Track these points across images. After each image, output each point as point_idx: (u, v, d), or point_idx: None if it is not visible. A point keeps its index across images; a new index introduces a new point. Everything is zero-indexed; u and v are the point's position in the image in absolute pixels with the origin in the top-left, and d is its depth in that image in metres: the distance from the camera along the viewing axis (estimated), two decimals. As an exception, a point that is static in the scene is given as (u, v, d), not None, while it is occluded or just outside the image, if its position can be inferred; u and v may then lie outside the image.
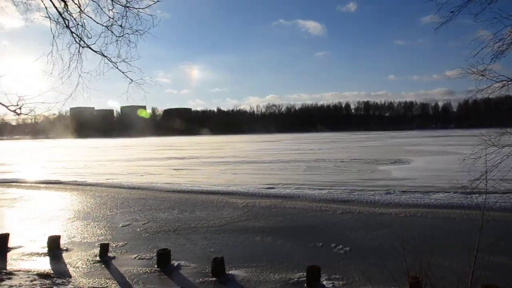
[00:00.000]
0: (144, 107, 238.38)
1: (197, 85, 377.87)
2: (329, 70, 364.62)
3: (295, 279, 9.29)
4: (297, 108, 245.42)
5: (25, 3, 7.79)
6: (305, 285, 8.90)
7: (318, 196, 20.01)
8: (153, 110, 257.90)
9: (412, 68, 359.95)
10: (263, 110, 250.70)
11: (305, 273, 9.03)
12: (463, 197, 17.70)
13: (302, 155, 48.48)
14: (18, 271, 9.96)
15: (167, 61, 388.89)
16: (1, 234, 12.58)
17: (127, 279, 9.68)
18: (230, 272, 9.80)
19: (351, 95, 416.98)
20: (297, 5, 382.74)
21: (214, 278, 9.46)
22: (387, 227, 14.02)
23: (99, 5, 7.93)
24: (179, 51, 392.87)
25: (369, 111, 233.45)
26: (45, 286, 8.34)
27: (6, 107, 7.85)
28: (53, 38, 7.78)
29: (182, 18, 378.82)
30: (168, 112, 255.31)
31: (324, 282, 9.01)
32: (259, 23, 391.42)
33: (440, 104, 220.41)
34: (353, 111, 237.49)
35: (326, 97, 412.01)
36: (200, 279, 9.49)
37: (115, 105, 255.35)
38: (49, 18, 7.60)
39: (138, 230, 14.59)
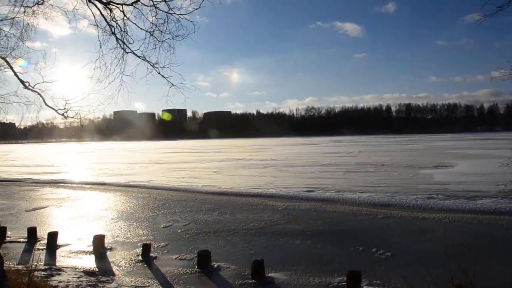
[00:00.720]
0: (184, 110, 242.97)
1: (236, 88, 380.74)
2: (369, 72, 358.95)
3: (335, 284, 9.20)
4: (337, 110, 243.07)
5: (74, 12, 8.11)
6: (346, 289, 8.78)
7: (359, 200, 19.74)
8: (193, 113, 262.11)
9: (455, 69, 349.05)
10: (303, 113, 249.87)
11: (345, 278, 8.90)
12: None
13: (342, 158, 47.93)
14: (66, 267, 10.35)
15: (206, 65, 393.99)
16: (51, 232, 13.14)
17: (168, 279, 9.86)
18: (269, 274, 9.81)
19: (391, 98, 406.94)
20: (334, 7, 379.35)
21: (253, 281, 9.49)
22: (429, 232, 13.65)
23: (141, 12, 8.15)
24: (218, 55, 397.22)
25: (411, 113, 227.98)
26: (91, 283, 8.61)
27: (55, 110, 8.23)
28: (100, 45, 8.07)
29: (220, 22, 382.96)
30: (208, 116, 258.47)
31: (365, 288, 8.89)
32: (296, 26, 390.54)
33: (486, 106, 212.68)
34: (394, 113, 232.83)
35: (366, 100, 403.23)
36: (240, 281, 9.54)
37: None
38: (97, 25, 7.90)
39: (179, 231, 14.84)
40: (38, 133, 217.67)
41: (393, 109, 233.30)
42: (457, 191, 21.22)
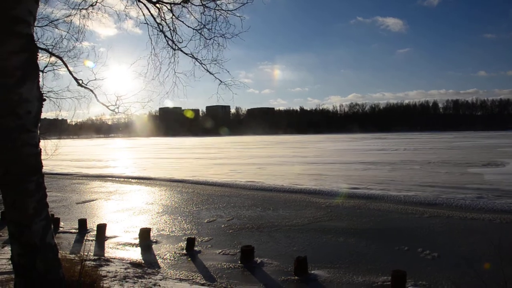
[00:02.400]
0: (228, 107, 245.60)
1: (277, 85, 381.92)
2: (413, 67, 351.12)
3: (379, 283, 9.05)
4: (381, 107, 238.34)
5: (125, 12, 8.37)
6: (390, 289, 8.62)
7: (404, 198, 19.27)
8: (237, 109, 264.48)
9: (506, 63, 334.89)
10: (346, 109, 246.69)
11: (389, 277, 8.74)
12: None
13: (387, 156, 46.93)
14: (114, 258, 10.71)
15: (247, 62, 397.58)
16: (100, 224, 13.64)
17: (211, 273, 10.00)
18: (312, 271, 9.76)
19: (437, 94, 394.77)
20: (375, 2, 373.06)
21: (296, 277, 9.47)
22: (479, 233, 13.16)
23: (189, 10, 8.30)
24: (258, 52, 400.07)
25: (459, 110, 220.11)
26: (137, 274, 8.87)
27: (107, 106, 8.55)
28: (152, 44, 8.30)
29: (260, 20, 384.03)
30: (252, 112, 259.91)
31: (410, 288, 8.69)
32: (337, 21, 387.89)
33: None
34: (441, 110, 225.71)
35: (411, 96, 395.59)
36: (283, 277, 9.55)
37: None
38: (147, 24, 8.13)
39: (222, 226, 15.01)
40: (88, 129, 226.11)
41: (440, 105, 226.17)
42: (509, 191, 20.34)
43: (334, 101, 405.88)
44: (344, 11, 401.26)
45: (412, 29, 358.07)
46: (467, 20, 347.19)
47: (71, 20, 8.82)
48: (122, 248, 12.33)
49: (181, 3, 7.93)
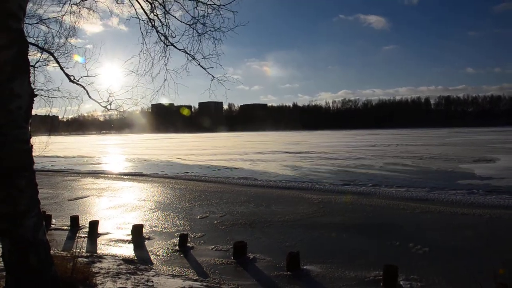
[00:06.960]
0: (220, 103, 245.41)
1: (267, 81, 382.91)
2: (401, 64, 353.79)
3: (371, 278, 9.10)
4: (374, 103, 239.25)
5: (115, 7, 8.33)
6: (382, 284, 8.67)
7: (396, 194, 19.42)
8: (230, 106, 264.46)
9: (493, 59, 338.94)
10: (339, 105, 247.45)
11: (381, 272, 8.80)
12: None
13: (379, 152, 47.17)
14: (107, 255, 10.67)
15: (234, 58, 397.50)
16: (92, 221, 13.57)
17: (204, 268, 9.99)
18: (305, 267, 9.80)
19: (427, 90, 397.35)
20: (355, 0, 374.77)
21: (289, 272, 9.50)
22: (470, 229, 13.27)
23: (182, 6, 8.27)
24: (245, 49, 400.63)
25: (451, 106, 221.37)
26: (130, 271, 8.85)
27: (99, 103, 8.51)
28: (143, 40, 8.26)
29: (246, 17, 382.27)
30: (244, 108, 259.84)
31: (402, 283, 8.73)
32: (319, 19, 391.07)
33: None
34: (432, 106, 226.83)
35: (401, 92, 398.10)
36: (275, 273, 9.57)
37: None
38: (138, 19, 8.09)
39: (215, 222, 15.01)
40: (80, 125, 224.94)
41: (432, 101, 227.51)
42: (499, 186, 20.55)
43: (325, 97, 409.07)
44: (326, 9, 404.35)
45: (395, 27, 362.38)
46: (449, 18, 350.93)
47: (62, 16, 8.77)
48: (115, 245, 12.29)
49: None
